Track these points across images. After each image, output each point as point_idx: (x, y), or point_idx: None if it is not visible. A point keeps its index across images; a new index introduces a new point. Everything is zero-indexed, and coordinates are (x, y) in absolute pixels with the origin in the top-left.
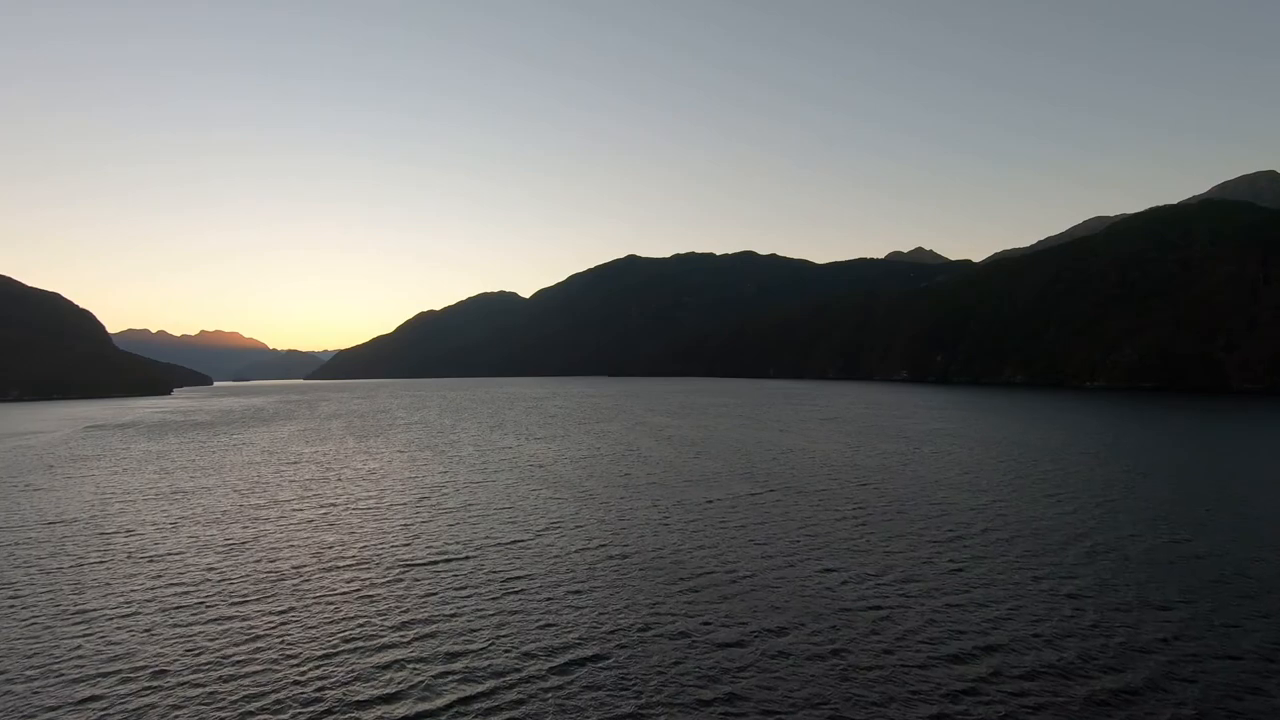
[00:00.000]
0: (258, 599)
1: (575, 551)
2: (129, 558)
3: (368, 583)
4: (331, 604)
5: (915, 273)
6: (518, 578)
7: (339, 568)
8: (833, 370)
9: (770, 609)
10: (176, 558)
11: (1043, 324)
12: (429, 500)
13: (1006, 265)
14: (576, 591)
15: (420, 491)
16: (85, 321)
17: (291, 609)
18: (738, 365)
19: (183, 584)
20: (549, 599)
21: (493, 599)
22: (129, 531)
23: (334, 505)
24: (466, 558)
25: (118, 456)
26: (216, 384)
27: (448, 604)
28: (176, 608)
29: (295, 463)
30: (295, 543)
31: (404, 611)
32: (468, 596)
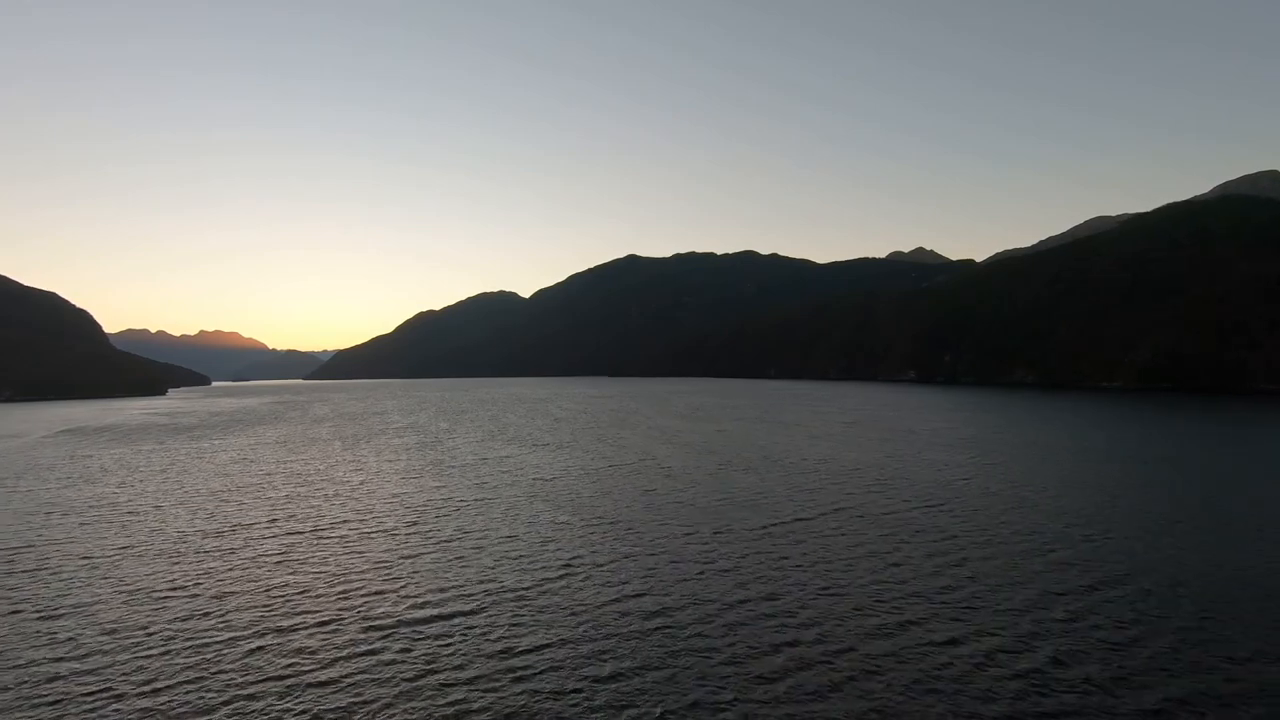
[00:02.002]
0: (180, 690)
1: (600, 607)
2: (36, 611)
3: (329, 654)
4: (277, 691)
5: (917, 273)
6: (527, 651)
7: (297, 628)
8: (834, 370)
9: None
10: (96, 610)
11: (1053, 324)
12: (418, 526)
13: (1013, 264)
14: (610, 680)
15: (408, 513)
16: (82, 321)
17: (223, 707)
18: (738, 365)
19: (93, 654)
20: (573, 690)
21: (492, 689)
22: (52, 570)
23: (306, 532)
24: (459, 615)
25: (78, 466)
26: (214, 384)
27: (431, 695)
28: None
29: (271, 474)
30: (249, 588)
31: (371, 712)
32: (459, 683)
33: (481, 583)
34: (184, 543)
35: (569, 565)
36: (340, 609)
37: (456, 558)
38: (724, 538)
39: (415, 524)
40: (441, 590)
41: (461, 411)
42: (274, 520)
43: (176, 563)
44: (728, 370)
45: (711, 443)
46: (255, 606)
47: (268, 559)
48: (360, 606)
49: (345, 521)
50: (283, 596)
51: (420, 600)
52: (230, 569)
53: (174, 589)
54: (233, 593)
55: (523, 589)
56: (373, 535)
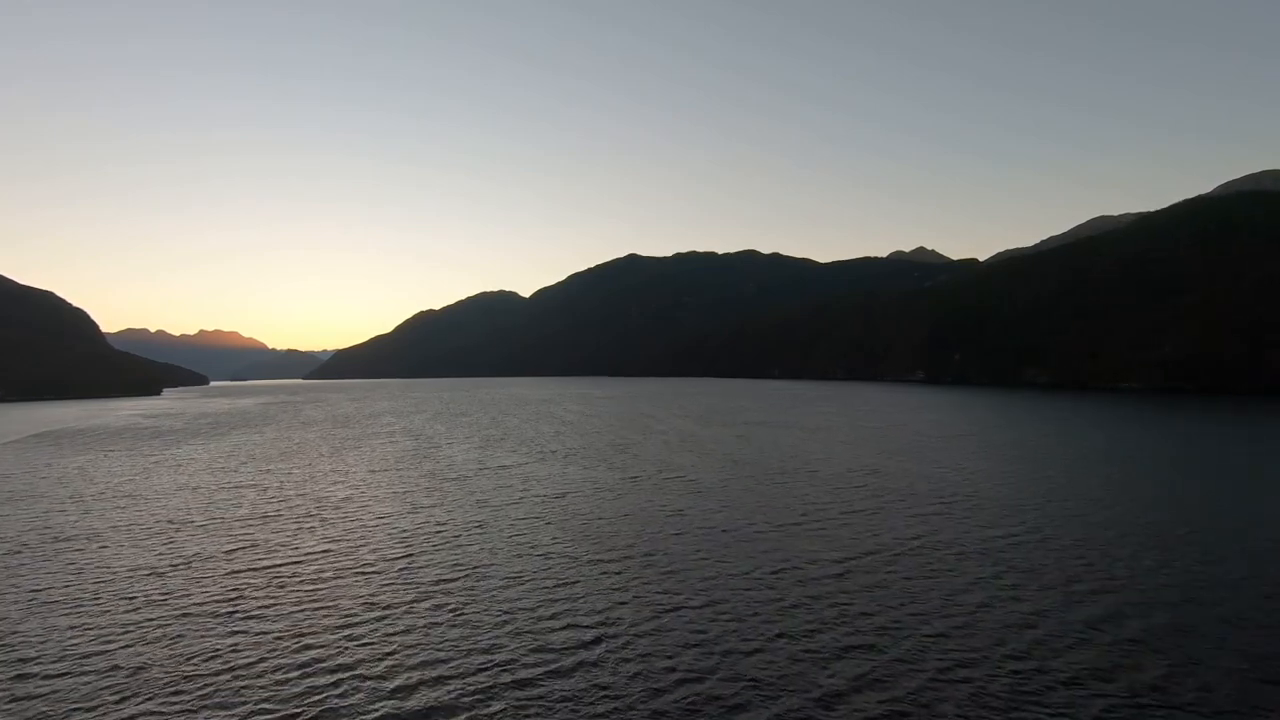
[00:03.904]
0: None
1: (650, 715)
2: None
3: None
4: None
5: (919, 272)
6: None
7: None
8: (839, 371)
9: None
10: None
11: (1065, 323)
12: (403, 562)
13: (1021, 263)
14: None
15: (393, 543)
16: (79, 321)
17: None
18: (738, 365)
19: None
20: None
21: None
22: None
23: (267, 569)
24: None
25: (29, 477)
26: (213, 384)
27: None
28: None
29: (241, 490)
30: (175, 667)
31: None
32: None
33: (481, 663)
34: (113, 585)
35: (596, 630)
36: (289, 701)
37: (450, 612)
38: (790, 585)
39: (400, 559)
40: (427, 671)
41: (460, 414)
42: (231, 553)
43: (97, 614)
44: (728, 370)
45: (734, 450)
46: (177, 695)
47: (211, 613)
48: (317, 697)
49: (317, 555)
50: (218, 677)
51: (397, 691)
52: (161, 628)
53: (80, 661)
54: (151, 666)
55: (537, 674)
56: (347, 577)
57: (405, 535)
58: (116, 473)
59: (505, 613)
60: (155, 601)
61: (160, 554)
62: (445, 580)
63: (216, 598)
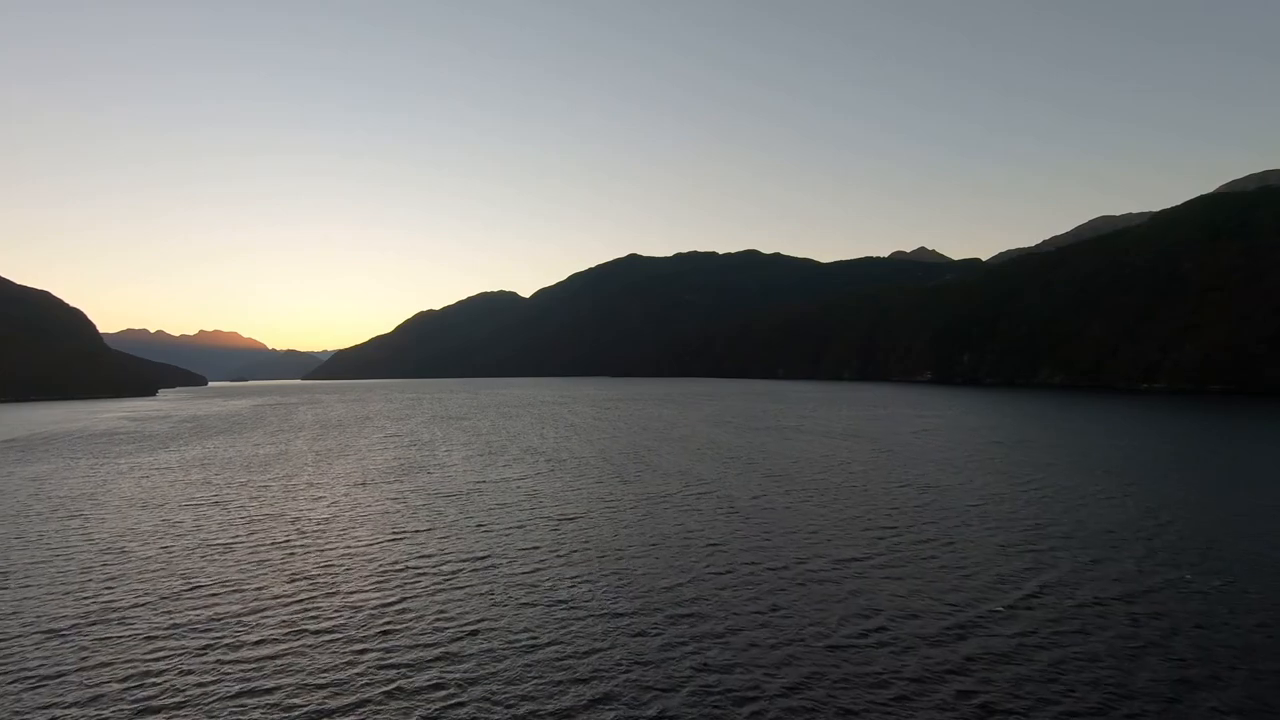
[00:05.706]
0: None
1: None
2: None
3: None
4: None
5: (922, 272)
6: None
7: None
8: (846, 371)
9: None
10: None
11: (1080, 323)
12: (383, 617)
13: (1031, 262)
14: None
15: (371, 587)
16: (76, 321)
17: None
18: (741, 365)
19: None
20: None
21: None
22: None
23: (202, 629)
24: None
25: None
26: (211, 384)
27: None
28: None
29: (206, 509)
30: None
31: None
32: None
33: None
34: (6, 647)
35: None
36: None
37: (440, 700)
38: (889, 659)
39: (378, 612)
40: None
41: (460, 417)
42: (170, 600)
43: None
44: (731, 371)
45: (760, 459)
46: None
47: (113, 713)
48: None
49: (276, 605)
50: None
51: None
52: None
53: None
54: None
55: None
56: (308, 644)
57: (388, 574)
58: (73, 486)
59: (513, 700)
60: (52, 677)
61: (83, 600)
62: (435, 650)
63: (133, 674)
